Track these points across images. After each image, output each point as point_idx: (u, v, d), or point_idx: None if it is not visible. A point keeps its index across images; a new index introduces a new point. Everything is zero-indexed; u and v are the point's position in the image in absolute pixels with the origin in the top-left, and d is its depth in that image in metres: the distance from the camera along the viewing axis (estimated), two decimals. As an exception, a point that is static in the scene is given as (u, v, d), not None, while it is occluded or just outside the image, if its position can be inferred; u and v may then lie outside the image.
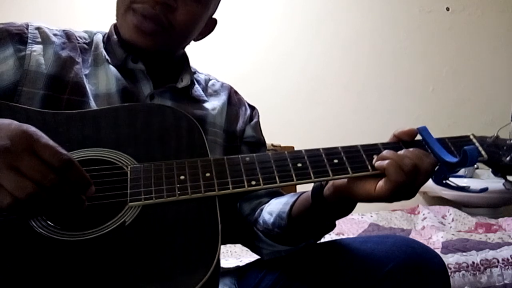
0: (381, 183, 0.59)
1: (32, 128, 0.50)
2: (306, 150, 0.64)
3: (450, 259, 1.43)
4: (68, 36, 0.78)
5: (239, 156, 0.63)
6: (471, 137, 0.68)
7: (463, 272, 1.40)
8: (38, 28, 0.75)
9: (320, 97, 2.61)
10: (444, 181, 0.63)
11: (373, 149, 0.64)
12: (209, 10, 0.80)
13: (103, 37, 0.82)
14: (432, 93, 2.73)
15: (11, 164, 0.47)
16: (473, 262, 1.43)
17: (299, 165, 0.62)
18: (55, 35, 0.76)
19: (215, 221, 0.57)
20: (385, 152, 0.61)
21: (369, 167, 0.62)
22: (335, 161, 0.62)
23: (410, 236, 1.77)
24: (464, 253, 1.47)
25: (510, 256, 1.46)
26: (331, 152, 0.63)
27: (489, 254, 1.47)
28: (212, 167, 0.61)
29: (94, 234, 0.54)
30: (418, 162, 0.59)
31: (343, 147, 0.64)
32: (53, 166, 0.49)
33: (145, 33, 0.73)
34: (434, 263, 0.63)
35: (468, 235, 1.67)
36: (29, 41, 0.72)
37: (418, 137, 0.66)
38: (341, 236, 1.75)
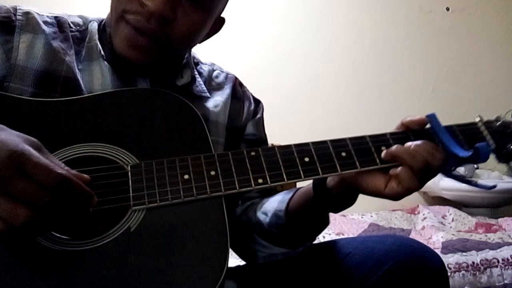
0: (393, 185, 0.58)
1: (20, 146, 0.45)
2: (313, 143, 0.61)
3: (450, 259, 1.43)
4: (60, 24, 0.70)
5: (244, 150, 0.60)
6: (479, 124, 0.67)
7: (463, 272, 1.40)
8: (27, 14, 0.67)
9: (320, 97, 2.61)
10: (451, 173, 0.62)
11: (381, 140, 0.62)
12: (214, 14, 0.72)
13: (99, 25, 0.73)
14: (432, 93, 2.73)
15: (2, 191, 0.44)
16: (473, 262, 1.43)
17: (306, 159, 0.60)
18: (45, 22, 0.68)
19: (223, 223, 0.55)
20: (395, 149, 0.59)
21: (378, 161, 0.60)
22: (343, 154, 0.60)
23: (410, 236, 1.77)
24: (464, 253, 1.47)
25: (510, 256, 1.46)
26: (339, 145, 0.61)
27: (489, 254, 1.47)
28: (216, 164, 0.58)
29: (98, 242, 0.52)
30: (430, 160, 0.57)
31: (350, 138, 0.62)
32: (47, 186, 0.45)
33: (138, 48, 0.65)
34: (433, 262, 0.63)
35: (468, 235, 1.67)
36: (16, 30, 0.65)
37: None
38: (341, 236, 1.75)
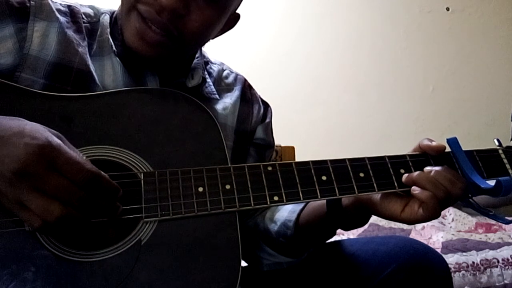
0: (413, 209, 0.57)
1: (49, 140, 0.45)
2: (331, 161, 0.60)
3: (450, 259, 1.43)
4: (73, 13, 0.68)
5: (261, 164, 0.59)
6: (500, 152, 0.65)
7: (463, 272, 1.40)
8: None
9: (320, 97, 2.61)
10: (468, 200, 0.61)
11: (400, 162, 0.62)
12: (228, 10, 0.70)
13: (110, 18, 0.72)
14: (432, 93, 2.73)
15: (35, 186, 0.44)
16: (473, 262, 1.43)
17: (324, 178, 0.59)
18: (59, 10, 0.66)
19: (236, 240, 0.55)
20: (416, 176, 0.58)
21: (396, 184, 0.60)
22: (361, 174, 0.60)
23: (410, 236, 1.77)
24: (464, 253, 1.47)
25: (510, 256, 1.46)
26: (357, 165, 0.60)
27: (489, 254, 1.46)
28: (232, 178, 0.57)
29: (108, 254, 0.51)
30: (451, 189, 0.57)
31: (369, 158, 0.61)
32: (78, 183, 0.46)
33: (148, 42, 0.62)
34: (436, 263, 0.63)
35: (468, 235, 1.67)
36: (31, 17, 0.63)
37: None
38: (341, 236, 1.75)
